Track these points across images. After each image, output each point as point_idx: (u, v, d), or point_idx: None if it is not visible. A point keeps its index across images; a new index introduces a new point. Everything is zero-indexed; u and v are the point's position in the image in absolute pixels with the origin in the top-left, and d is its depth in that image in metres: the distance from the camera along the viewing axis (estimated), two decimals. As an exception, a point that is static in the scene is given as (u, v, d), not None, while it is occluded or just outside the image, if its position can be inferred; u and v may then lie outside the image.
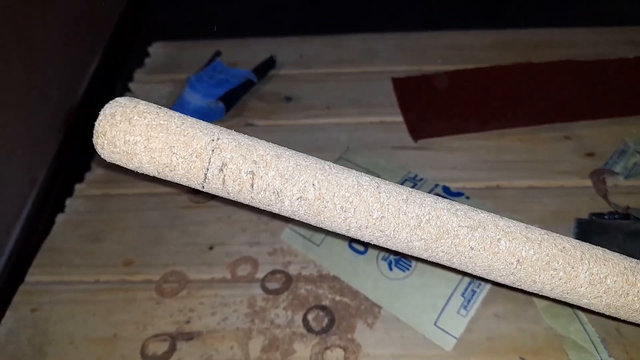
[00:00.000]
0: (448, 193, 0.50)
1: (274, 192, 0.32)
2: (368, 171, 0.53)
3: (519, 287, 0.36)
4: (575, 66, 0.64)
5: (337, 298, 0.45)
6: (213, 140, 0.31)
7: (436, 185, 0.51)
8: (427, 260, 0.45)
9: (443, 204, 0.34)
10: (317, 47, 0.71)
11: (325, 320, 0.43)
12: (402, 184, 0.51)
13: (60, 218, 0.53)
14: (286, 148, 0.33)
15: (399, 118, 0.60)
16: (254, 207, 0.50)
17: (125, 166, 0.32)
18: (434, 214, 0.33)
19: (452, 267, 0.36)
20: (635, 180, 0.52)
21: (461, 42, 0.70)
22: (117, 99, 0.32)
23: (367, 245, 0.47)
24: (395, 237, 0.33)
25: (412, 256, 0.46)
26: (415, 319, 0.42)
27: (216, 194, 0.33)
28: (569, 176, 0.53)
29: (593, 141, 0.56)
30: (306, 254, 0.48)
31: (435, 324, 0.42)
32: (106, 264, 0.48)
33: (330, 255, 0.47)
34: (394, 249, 0.35)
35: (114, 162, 0.32)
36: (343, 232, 0.34)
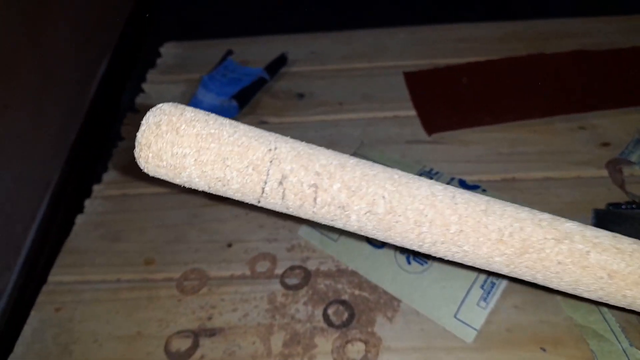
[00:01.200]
0: (464, 186, 0.51)
1: (339, 207, 0.28)
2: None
3: (605, 302, 0.33)
4: (588, 56, 0.64)
5: (356, 292, 0.45)
6: (270, 150, 0.28)
7: (452, 179, 0.52)
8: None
9: (525, 213, 0.31)
10: (328, 44, 0.71)
11: (345, 315, 0.43)
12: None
13: (79, 219, 0.54)
14: (349, 156, 0.30)
15: (412, 112, 0.60)
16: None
17: (171, 181, 0.29)
18: (516, 225, 0.30)
19: (535, 282, 0.33)
20: (652, 170, 0.52)
21: (472, 35, 0.70)
22: (160, 105, 0.29)
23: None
24: (474, 253, 0.30)
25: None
26: (435, 312, 0.43)
27: (272, 209, 0.30)
28: (585, 167, 0.53)
29: (608, 131, 0.56)
30: (324, 249, 0.48)
31: (455, 316, 0.42)
32: (127, 263, 0.49)
33: (348, 250, 0.47)
34: (470, 264, 0.32)
35: (159, 176, 0.29)
36: (415, 247, 0.31)
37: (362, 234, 0.31)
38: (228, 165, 0.28)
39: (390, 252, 0.46)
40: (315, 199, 0.28)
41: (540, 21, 0.71)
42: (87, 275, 0.49)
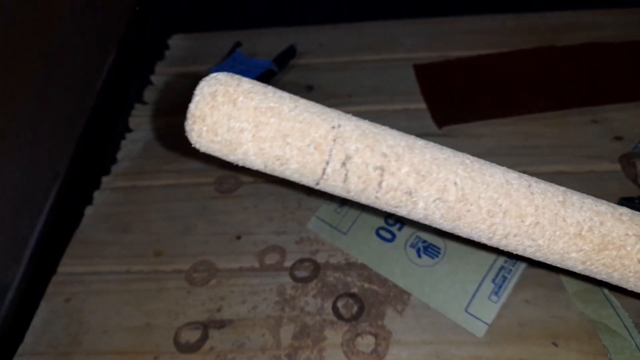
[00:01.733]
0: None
1: (406, 192, 0.26)
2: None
3: None
4: (601, 48, 0.63)
5: (366, 285, 0.45)
6: (334, 127, 0.26)
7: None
8: (456, 246, 0.45)
9: (604, 206, 0.29)
10: (338, 35, 0.70)
11: (355, 308, 0.43)
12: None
13: (89, 210, 0.54)
14: (417, 137, 0.28)
15: (422, 105, 0.60)
16: (279, 195, 0.50)
17: (224, 158, 0.27)
18: (596, 219, 0.28)
19: (609, 281, 0.31)
20: (666, 164, 0.51)
21: (483, 27, 0.69)
22: (215, 74, 0.26)
23: (394, 233, 0.47)
24: (548, 248, 0.28)
25: (442, 242, 0.46)
26: (446, 306, 0.42)
27: (330, 192, 0.28)
28: (598, 160, 0.52)
29: (621, 124, 0.55)
30: (333, 242, 0.48)
31: (466, 310, 0.42)
32: (136, 255, 0.49)
33: (358, 243, 0.47)
34: (542, 260, 0.30)
35: (211, 152, 0.27)
36: (483, 240, 0.29)
37: (427, 222, 0.29)
38: (288, 143, 0.25)
39: (400, 246, 0.46)
40: (380, 183, 0.26)
41: (552, 13, 0.70)
42: (97, 267, 0.49)
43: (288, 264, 0.47)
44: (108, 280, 0.47)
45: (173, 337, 0.43)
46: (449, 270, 0.44)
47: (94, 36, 0.82)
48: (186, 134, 0.27)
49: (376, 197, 0.27)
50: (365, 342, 0.41)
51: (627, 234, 0.28)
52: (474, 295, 0.42)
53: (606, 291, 0.42)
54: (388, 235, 0.47)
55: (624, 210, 0.30)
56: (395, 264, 0.45)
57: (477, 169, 0.28)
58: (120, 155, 0.59)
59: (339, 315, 0.43)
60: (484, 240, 0.29)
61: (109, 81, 0.84)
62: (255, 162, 0.26)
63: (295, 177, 0.27)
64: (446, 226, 0.28)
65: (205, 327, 0.43)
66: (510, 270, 0.43)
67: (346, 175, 0.26)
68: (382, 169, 0.26)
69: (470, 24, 0.69)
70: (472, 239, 0.29)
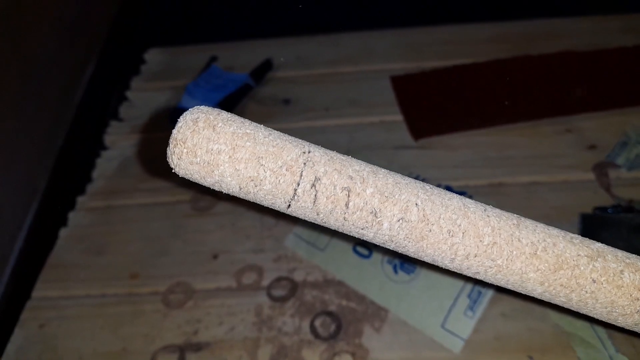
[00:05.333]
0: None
1: (371, 212, 0.28)
2: (369, 173, 0.53)
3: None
4: (574, 57, 0.63)
5: (344, 303, 0.45)
6: (304, 152, 0.28)
7: (438, 185, 0.51)
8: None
9: (556, 231, 0.31)
10: (314, 47, 0.70)
11: (333, 326, 0.43)
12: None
13: (63, 232, 0.53)
14: (379, 167, 0.31)
15: (400, 117, 0.60)
16: (257, 212, 0.49)
17: (201, 181, 0.29)
18: (549, 240, 0.30)
19: (567, 306, 0.32)
20: (638, 172, 0.52)
21: (459, 37, 0.69)
22: (198, 107, 0.29)
23: (371, 248, 0.47)
24: (507, 268, 0.29)
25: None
26: (423, 322, 0.42)
27: (302, 216, 0.30)
28: (572, 170, 0.53)
29: (594, 133, 0.56)
30: (311, 259, 0.48)
31: (442, 326, 0.42)
32: (112, 277, 0.49)
33: (335, 260, 0.47)
34: (503, 284, 0.31)
35: (189, 176, 0.29)
36: (446, 261, 0.30)
37: (393, 246, 0.30)
38: (262, 165, 0.27)
39: (377, 262, 0.46)
40: (347, 203, 0.28)
41: (527, 22, 0.71)
42: (71, 291, 0.48)
43: (265, 283, 0.47)
44: (83, 305, 0.47)
45: (149, 362, 0.42)
46: (425, 285, 0.44)
47: (71, 52, 0.81)
48: (167, 158, 0.28)
49: (344, 218, 0.29)
50: (343, 362, 0.41)
51: (579, 255, 0.30)
52: (450, 311, 0.42)
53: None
54: (365, 252, 0.47)
55: (575, 235, 0.31)
56: (372, 280, 0.45)
57: (436, 193, 0.29)
58: (95, 173, 0.59)
59: (316, 335, 0.43)
60: (447, 262, 0.30)
61: (88, 95, 0.83)
62: (231, 183, 0.28)
63: (268, 200, 0.29)
64: (411, 248, 0.29)
65: (182, 350, 0.43)
66: (486, 284, 0.43)
67: (316, 195, 0.28)
68: (348, 189, 0.28)
69: (447, 34, 0.70)
70: (436, 263, 0.30)
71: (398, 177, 0.30)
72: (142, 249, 0.50)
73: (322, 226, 0.46)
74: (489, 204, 0.48)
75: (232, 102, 0.62)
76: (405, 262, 0.46)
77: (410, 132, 0.58)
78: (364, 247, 0.47)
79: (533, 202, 0.50)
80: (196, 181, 0.29)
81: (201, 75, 0.65)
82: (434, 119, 0.58)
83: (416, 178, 0.52)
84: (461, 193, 0.50)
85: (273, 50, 0.69)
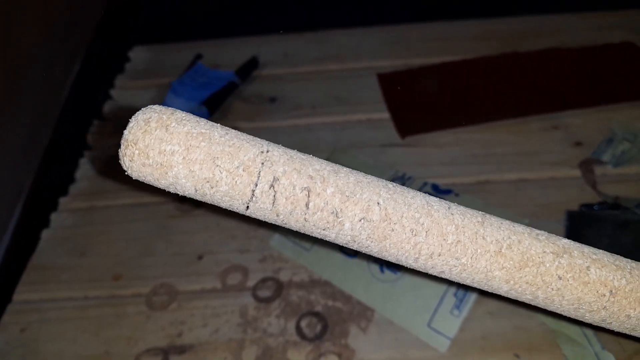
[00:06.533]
0: (437, 191, 0.50)
1: (332, 212, 0.27)
2: (356, 171, 0.52)
3: (607, 326, 0.32)
4: (561, 54, 0.63)
5: (330, 303, 0.44)
6: (262, 152, 0.27)
7: (425, 184, 0.51)
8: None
9: (521, 227, 0.31)
10: (301, 45, 0.69)
11: (319, 327, 0.43)
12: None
13: (45, 234, 0.52)
14: (342, 166, 0.30)
15: (386, 115, 0.59)
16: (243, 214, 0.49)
17: (156, 184, 0.28)
18: (514, 238, 0.29)
19: (534, 304, 0.32)
20: (623, 169, 0.52)
21: (447, 34, 0.69)
22: (150, 106, 0.28)
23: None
24: (472, 267, 0.29)
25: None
26: (409, 321, 0.42)
27: (261, 218, 0.29)
28: (559, 167, 0.53)
29: (581, 130, 0.56)
30: (296, 259, 0.47)
31: (428, 325, 0.42)
32: (95, 279, 0.48)
33: (321, 259, 0.47)
34: (468, 282, 0.31)
35: (143, 178, 0.28)
36: (410, 261, 0.30)
37: (356, 246, 0.29)
38: (218, 165, 0.26)
39: (363, 261, 0.46)
40: (307, 204, 0.27)
41: (515, 18, 0.71)
42: (53, 293, 0.47)
43: (250, 283, 0.46)
44: (65, 308, 0.46)
45: (132, 365, 0.42)
46: (411, 284, 0.44)
47: (57, 51, 0.79)
48: (119, 160, 0.28)
49: (305, 219, 0.28)
50: (329, 362, 0.41)
51: (544, 252, 0.29)
52: (436, 310, 0.42)
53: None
54: (351, 251, 0.46)
55: (541, 231, 0.31)
56: (359, 279, 0.45)
57: (399, 191, 0.29)
58: (78, 174, 0.58)
59: (302, 335, 0.42)
60: (411, 262, 0.29)
61: (74, 94, 0.82)
62: (186, 185, 0.27)
63: (225, 202, 0.28)
64: (374, 248, 0.29)
65: (166, 353, 0.42)
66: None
67: (274, 197, 0.27)
68: (308, 189, 0.27)
69: (434, 31, 0.69)
70: (400, 262, 0.30)
71: (360, 176, 0.29)
72: (126, 250, 0.50)
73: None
74: (475, 202, 0.47)
75: (218, 100, 0.62)
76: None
77: (397, 130, 0.57)
78: (350, 246, 0.47)
79: (519, 199, 0.50)
80: (150, 183, 0.28)
81: (186, 73, 0.65)
82: (421, 117, 0.58)
83: (403, 176, 0.52)
84: (448, 191, 0.50)
85: (259, 47, 0.68)
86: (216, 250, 0.49)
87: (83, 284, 0.47)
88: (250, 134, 0.63)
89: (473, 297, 0.43)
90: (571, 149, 0.54)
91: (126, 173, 0.28)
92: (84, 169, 0.58)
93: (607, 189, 0.50)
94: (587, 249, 0.31)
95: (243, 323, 0.43)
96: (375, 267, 0.45)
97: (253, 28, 0.72)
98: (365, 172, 0.51)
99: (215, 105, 0.61)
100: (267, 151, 0.28)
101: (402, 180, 0.51)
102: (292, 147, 0.64)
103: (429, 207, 0.29)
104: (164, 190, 0.29)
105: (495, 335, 0.41)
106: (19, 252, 0.52)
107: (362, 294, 0.44)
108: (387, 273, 0.45)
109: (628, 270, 0.31)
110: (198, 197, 0.28)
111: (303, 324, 0.43)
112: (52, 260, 0.50)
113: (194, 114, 0.62)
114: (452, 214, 0.29)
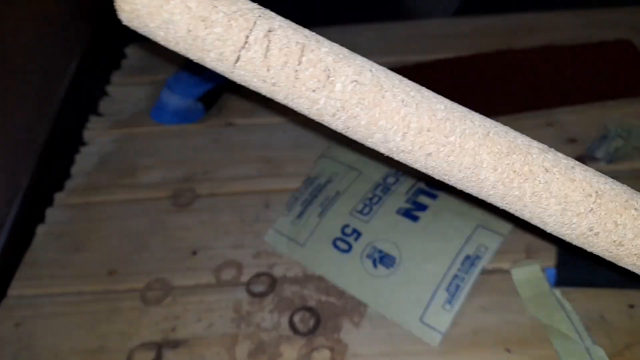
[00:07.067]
0: (429, 188, 0.50)
1: (324, 70, 0.27)
2: (351, 168, 0.53)
3: (594, 244, 0.31)
4: (555, 51, 0.63)
5: (323, 298, 0.45)
6: (261, 9, 0.27)
7: (418, 180, 0.51)
8: (411, 255, 0.45)
9: (505, 127, 0.30)
10: (296, 42, 0.70)
11: (312, 321, 0.43)
12: (384, 179, 0.51)
13: (40, 229, 0.52)
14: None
15: (381, 111, 0.60)
16: (237, 207, 0.49)
17: (147, 23, 0.27)
18: (501, 128, 0.29)
19: (522, 206, 0.30)
20: (617, 165, 0.52)
21: (441, 31, 0.69)
22: None
23: (350, 243, 0.47)
24: (460, 147, 0.28)
25: (397, 251, 0.46)
26: (401, 316, 0.42)
27: (249, 78, 0.28)
28: (552, 163, 0.53)
29: (575, 127, 0.56)
30: (290, 255, 0.48)
31: (420, 319, 0.42)
32: (89, 274, 0.48)
33: (315, 255, 0.47)
34: (455, 171, 0.29)
35: (135, 14, 0.26)
36: (398, 137, 0.28)
37: (344, 118, 0.28)
38: (216, 7, 0.26)
39: (356, 256, 0.46)
40: (300, 59, 0.27)
41: (510, 15, 0.71)
42: (48, 288, 0.47)
43: (245, 278, 0.46)
44: (60, 303, 0.46)
45: (126, 359, 0.42)
46: (404, 279, 0.44)
47: (53, 47, 0.79)
48: None
49: (296, 76, 0.27)
50: (322, 357, 0.41)
51: (530, 145, 0.29)
52: (429, 305, 0.42)
53: (558, 294, 0.43)
54: (345, 246, 0.47)
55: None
56: (352, 275, 0.45)
57: (388, 71, 0.29)
58: (74, 170, 0.58)
59: (295, 330, 0.43)
60: (398, 139, 0.28)
61: (72, 90, 0.82)
62: (179, 23, 0.26)
63: (216, 46, 0.26)
64: (363, 118, 0.28)
65: (160, 347, 0.42)
66: (464, 278, 0.43)
67: (268, 46, 0.26)
68: (303, 45, 0.27)
69: (429, 28, 0.70)
70: (387, 142, 0.29)
71: (351, 52, 0.29)
72: (121, 245, 0.50)
73: (302, 222, 0.45)
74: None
75: (213, 96, 0.62)
76: (386, 255, 0.46)
77: (391, 127, 0.57)
78: (344, 241, 0.47)
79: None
80: (140, 26, 0.27)
81: (182, 69, 0.65)
82: (416, 113, 0.58)
83: (396, 172, 0.52)
84: (440, 189, 0.50)
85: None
86: (210, 245, 0.49)
87: (78, 280, 0.48)
88: (246, 130, 0.63)
89: (464, 292, 0.43)
90: (565, 146, 0.54)
91: (117, 8, 0.27)
92: (80, 165, 0.58)
93: (600, 185, 0.50)
94: (566, 157, 0.31)
95: (237, 318, 0.44)
96: (368, 263, 0.45)
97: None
98: (360, 168, 0.52)
99: (211, 101, 0.61)
100: (266, 10, 0.28)
101: (397, 176, 0.51)
102: (288, 144, 0.65)
103: (419, 87, 0.29)
104: (150, 39, 0.28)
105: (486, 329, 0.42)
106: (15, 247, 0.52)
107: (355, 289, 0.44)
108: (380, 268, 0.45)
109: (610, 180, 0.31)
110: (187, 44, 0.27)
111: (296, 318, 0.43)
112: (47, 256, 0.50)
113: (190, 110, 0.62)
114: (441, 98, 0.29)
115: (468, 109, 0.30)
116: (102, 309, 0.45)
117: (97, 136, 0.61)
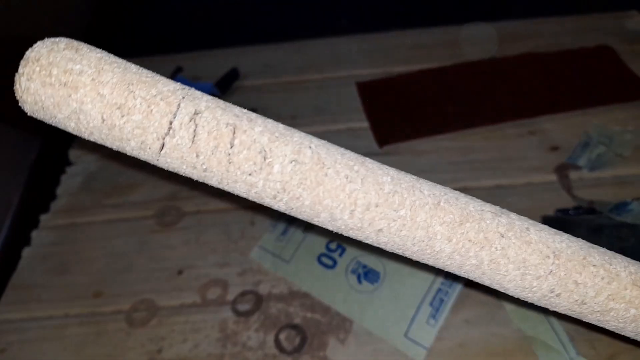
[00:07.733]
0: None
1: (260, 152, 0.24)
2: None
3: (556, 305, 0.30)
4: (537, 59, 0.64)
5: (309, 315, 0.45)
6: (184, 89, 0.25)
7: (402, 192, 0.51)
8: (395, 269, 0.45)
9: (455, 192, 0.29)
10: (281, 55, 0.70)
11: (297, 339, 0.43)
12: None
13: (26, 252, 0.52)
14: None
15: (366, 123, 0.60)
16: (222, 225, 0.49)
17: (54, 113, 0.23)
18: (451, 195, 0.28)
19: (480, 274, 0.29)
20: (599, 172, 0.52)
21: (425, 40, 0.70)
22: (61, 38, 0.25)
23: (335, 259, 0.47)
24: (412, 220, 0.26)
25: (382, 266, 0.46)
26: (386, 331, 0.42)
27: (177, 164, 0.25)
28: (535, 172, 0.53)
29: (557, 135, 0.56)
30: (276, 271, 0.48)
31: (405, 335, 0.42)
32: (75, 297, 0.48)
33: (300, 271, 0.47)
34: (409, 245, 0.28)
35: (40, 104, 0.23)
36: (346, 215, 0.26)
37: (286, 199, 0.26)
38: (132, 92, 0.23)
39: (341, 272, 0.46)
40: (232, 141, 0.24)
41: (491, 24, 0.71)
42: (34, 312, 0.47)
43: (230, 297, 0.46)
44: (45, 327, 0.46)
45: (112, 383, 0.42)
46: (389, 295, 0.44)
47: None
48: (15, 85, 0.23)
49: (229, 160, 0.24)
50: (307, 375, 0.41)
51: (482, 209, 0.28)
52: (413, 320, 0.42)
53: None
54: (329, 262, 0.47)
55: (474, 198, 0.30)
56: (337, 291, 0.45)
57: (329, 144, 0.28)
58: (59, 190, 0.58)
59: (281, 349, 0.43)
60: (346, 216, 0.26)
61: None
62: (91, 113, 0.23)
63: (136, 137, 0.24)
64: (306, 199, 0.26)
65: (146, 370, 0.42)
66: (447, 292, 0.43)
67: (195, 130, 0.24)
68: (234, 126, 0.24)
69: (412, 38, 0.70)
70: (335, 221, 0.27)
71: (287, 127, 0.27)
72: (106, 266, 0.50)
73: (287, 238, 0.44)
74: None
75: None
76: (370, 270, 0.46)
77: (375, 139, 0.58)
78: (329, 257, 0.47)
79: (496, 205, 0.50)
80: (45, 116, 0.24)
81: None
82: (400, 125, 0.59)
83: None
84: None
85: (239, 59, 0.69)
86: (196, 264, 0.49)
87: (63, 303, 0.48)
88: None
89: (448, 306, 0.43)
90: (547, 154, 0.55)
91: (19, 103, 0.24)
92: (65, 185, 0.58)
93: (583, 193, 0.51)
94: (519, 216, 0.30)
95: (222, 338, 0.44)
96: (353, 278, 0.45)
97: (233, 39, 0.72)
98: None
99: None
100: (189, 92, 0.25)
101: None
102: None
103: (362, 160, 0.27)
104: (57, 128, 0.24)
105: (472, 342, 0.42)
106: (1, 271, 0.52)
107: (340, 305, 0.44)
108: (365, 284, 0.45)
109: (565, 237, 0.30)
110: (103, 135, 0.24)
111: (282, 336, 0.43)
112: (33, 279, 0.50)
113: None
114: (384, 168, 0.27)
115: (416, 177, 0.28)
116: (88, 332, 0.45)
117: (82, 155, 0.61)
